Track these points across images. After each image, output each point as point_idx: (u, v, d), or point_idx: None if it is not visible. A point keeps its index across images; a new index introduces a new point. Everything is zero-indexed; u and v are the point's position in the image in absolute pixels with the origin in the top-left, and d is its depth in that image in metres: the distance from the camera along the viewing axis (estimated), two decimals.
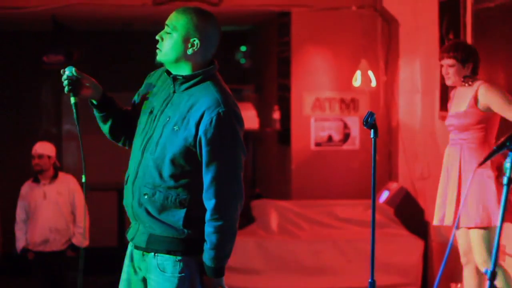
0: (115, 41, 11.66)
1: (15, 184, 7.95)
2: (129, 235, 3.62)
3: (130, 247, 3.64)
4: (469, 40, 6.72)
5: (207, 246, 3.43)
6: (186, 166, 3.44)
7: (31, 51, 10.86)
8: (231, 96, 3.51)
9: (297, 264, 7.46)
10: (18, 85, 11.66)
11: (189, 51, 3.48)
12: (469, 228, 5.34)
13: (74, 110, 3.55)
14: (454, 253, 6.64)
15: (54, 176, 7.39)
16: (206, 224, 3.43)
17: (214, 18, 3.54)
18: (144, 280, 3.58)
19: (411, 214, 7.89)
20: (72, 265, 7.53)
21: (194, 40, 3.47)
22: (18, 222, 7.45)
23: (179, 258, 3.47)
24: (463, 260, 5.56)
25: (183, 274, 3.47)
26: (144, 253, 3.54)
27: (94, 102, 3.61)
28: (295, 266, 7.45)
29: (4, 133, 11.54)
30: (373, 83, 8.51)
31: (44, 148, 7.35)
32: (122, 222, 9.42)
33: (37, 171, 7.36)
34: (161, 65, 3.61)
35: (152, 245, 3.50)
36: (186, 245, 3.47)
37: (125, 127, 3.69)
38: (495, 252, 3.40)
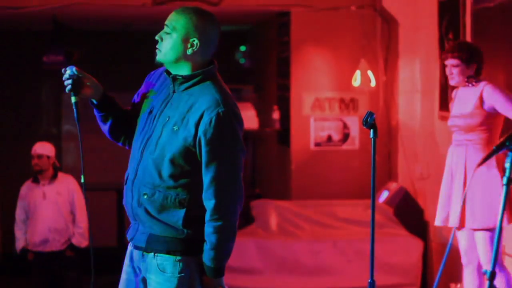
0: (115, 41, 11.66)
1: (15, 184, 7.95)
2: (129, 235, 3.62)
3: (130, 247, 3.64)
4: (468, 40, 6.72)
5: (207, 247, 3.43)
6: (185, 166, 3.44)
7: (31, 51, 10.87)
8: (231, 96, 3.51)
9: (297, 264, 7.46)
10: (18, 85, 11.66)
11: (189, 51, 3.48)
12: (475, 229, 5.34)
13: (75, 110, 3.55)
14: (454, 253, 6.65)
15: (54, 176, 7.39)
16: (206, 224, 3.43)
17: (214, 18, 3.54)
18: (144, 280, 3.58)
19: (411, 214, 7.89)
20: (71, 265, 7.54)
21: (194, 40, 3.47)
22: (17, 222, 7.45)
23: (178, 258, 3.47)
24: (464, 260, 5.56)
25: (182, 274, 3.47)
26: (144, 253, 3.54)
27: (94, 101, 3.61)
28: (294, 266, 7.45)
29: (4, 133, 11.54)
30: (373, 83, 8.50)
31: (43, 148, 7.35)
32: (122, 222, 9.43)
33: (36, 171, 7.37)
34: (161, 65, 3.60)
35: (152, 245, 3.50)
36: (185, 245, 3.47)
37: (125, 127, 3.69)
38: (494, 252, 3.40)
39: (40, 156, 7.30)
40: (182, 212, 3.45)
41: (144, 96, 3.64)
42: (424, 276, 7.66)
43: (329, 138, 8.81)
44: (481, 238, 5.30)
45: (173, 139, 3.44)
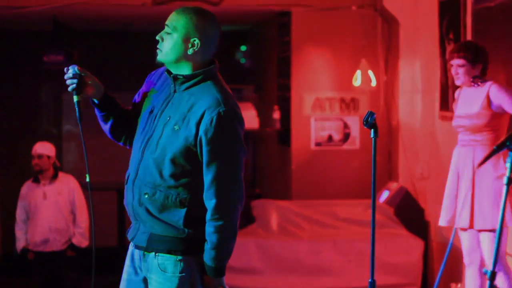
0: (115, 41, 11.66)
1: (15, 184, 7.95)
2: (129, 235, 3.62)
3: (131, 247, 3.64)
4: (469, 39, 6.72)
5: (207, 246, 3.43)
6: (186, 165, 3.44)
7: (31, 51, 10.87)
8: (232, 95, 3.51)
9: (297, 264, 7.46)
10: (18, 85, 11.65)
11: (190, 51, 3.48)
12: (484, 230, 5.33)
13: (77, 109, 3.55)
14: (454, 253, 6.64)
15: (54, 176, 7.39)
16: (206, 224, 3.43)
17: (214, 18, 3.54)
18: (145, 280, 3.58)
19: (411, 214, 7.89)
20: (72, 265, 7.54)
21: (194, 40, 3.47)
22: (18, 222, 7.45)
23: (179, 257, 3.47)
24: (466, 260, 5.55)
25: (183, 274, 3.46)
26: (145, 253, 3.54)
27: (96, 101, 3.61)
28: (295, 266, 7.45)
29: (4, 133, 11.54)
30: (373, 83, 8.50)
31: (43, 148, 7.35)
32: (122, 222, 9.43)
33: (37, 171, 7.37)
34: (161, 65, 3.60)
35: (153, 245, 3.50)
36: (186, 244, 3.47)
37: (126, 126, 3.68)
38: (495, 252, 3.40)
39: (40, 156, 7.30)
40: (183, 211, 3.45)
41: (145, 96, 3.64)
42: (424, 276, 7.66)
43: (330, 138, 8.81)
44: (487, 239, 5.28)
45: (174, 139, 3.44)
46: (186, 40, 3.47)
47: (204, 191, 3.43)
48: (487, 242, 5.30)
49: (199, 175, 3.44)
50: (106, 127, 3.69)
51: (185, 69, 3.51)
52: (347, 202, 8.18)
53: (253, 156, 10.52)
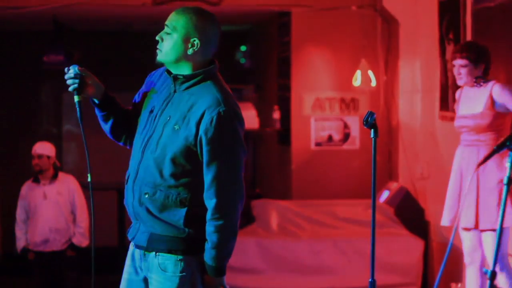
0: (115, 41, 11.66)
1: (15, 184, 7.95)
2: (130, 235, 3.62)
3: (131, 246, 3.64)
4: (468, 40, 6.72)
5: (208, 246, 3.44)
6: (186, 165, 3.44)
7: (32, 51, 10.87)
8: (232, 95, 3.51)
9: (297, 264, 7.46)
10: (18, 85, 11.65)
11: (189, 51, 3.49)
12: (484, 230, 5.33)
13: (77, 109, 3.55)
14: (455, 253, 6.65)
15: (54, 176, 7.39)
16: (207, 224, 3.43)
17: (214, 18, 3.54)
18: (145, 280, 3.58)
19: (411, 214, 7.89)
20: (72, 265, 7.54)
21: (194, 40, 3.48)
22: (18, 222, 7.45)
23: (180, 257, 3.47)
24: (467, 260, 5.55)
25: (184, 273, 3.47)
26: (145, 252, 3.54)
27: (96, 101, 3.61)
28: (295, 266, 7.45)
29: (5, 132, 11.54)
30: (373, 83, 8.51)
31: (43, 148, 7.35)
32: (122, 222, 9.42)
33: (36, 171, 7.37)
34: (161, 65, 3.61)
35: (153, 244, 3.50)
36: (187, 244, 3.47)
37: (127, 126, 3.69)
38: (495, 252, 3.40)
39: (40, 156, 7.30)
40: (183, 211, 3.45)
41: (145, 96, 3.65)
42: (425, 276, 7.66)
43: (330, 138, 8.81)
44: (491, 239, 5.28)
45: (174, 139, 3.44)
46: (186, 40, 3.47)
47: (205, 190, 3.44)
48: (490, 242, 5.30)
49: (199, 175, 3.44)
50: (106, 127, 3.69)
51: (185, 69, 3.51)
52: (347, 202, 8.18)
53: (253, 156, 10.51)
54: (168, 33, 3.49)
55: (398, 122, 8.48)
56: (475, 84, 5.37)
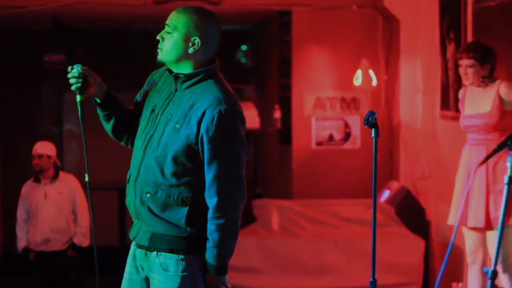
0: (116, 40, 11.66)
1: (16, 184, 7.95)
2: (131, 234, 3.62)
3: (132, 246, 3.64)
4: (469, 39, 6.71)
5: (209, 244, 3.44)
6: (188, 164, 3.44)
7: (32, 51, 10.87)
8: (233, 94, 3.51)
9: (298, 264, 7.46)
10: (19, 85, 11.66)
11: (190, 50, 3.49)
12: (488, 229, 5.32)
13: (79, 108, 3.54)
14: (456, 252, 6.64)
15: (55, 176, 7.38)
16: (208, 222, 3.43)
17: (214, 16, 3.54)
18: (147, 280, 3.58)
19: (412, 213, 7.88)
20: (73, 265, 7.54)
21: (195, 39, 3.48)
22: (19, 222, 7.45)
23: (181, 257, 3.47)
24: (469, 259, 5.55)
25: (185, 273, 3.47)
26: (147, 252, 3.54)
27: (98, 100, 3.61)
28: (296, 266, 7.45)
29: (6, 132, 11.54)
30: (374, 82, 8.50)
31: (44, 148, 7.34)
32: (123, 222, 9.43)
33: (37, 171, 7.36)
34: (162, 64, 3.61)
35: (155, 244, 3.50)
36: (188, 243, 3.47)
37: (128, 126, 3.68)
38: (496, 252, 3.40)
39: (40, 156, 7.29)
40: (185, 210, 3.45)
41: (146, 95, 3.65)
42: (425, 275, 7.66)
43: (331, 138, 8.81)
44: (495, 237, 5.27)
45: (176, 137, 3.44)
46: (186, 39, 3.47)
47: (206, 189, 3.43)
48: (494, 240, 5.29)
49: (201, 174, 3.44)
50: (108, 127, 3.69)
51: (186, 68, 3.51)
52: (348, 202, 8.18)
53: (254, 155, 10.52)
54: (168, 32, 3.49)
55: (399, 122, 8.48)
56: (482, 84, 5.36)
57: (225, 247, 3.45)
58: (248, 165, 3.55)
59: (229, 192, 3.42)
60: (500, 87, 5.28)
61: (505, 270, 5.28)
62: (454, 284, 6.60)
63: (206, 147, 3.41)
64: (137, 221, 3.59)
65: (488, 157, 3.91)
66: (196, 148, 3.43)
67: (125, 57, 11.51)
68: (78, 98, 3.53)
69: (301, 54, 8.81)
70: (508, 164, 3.46)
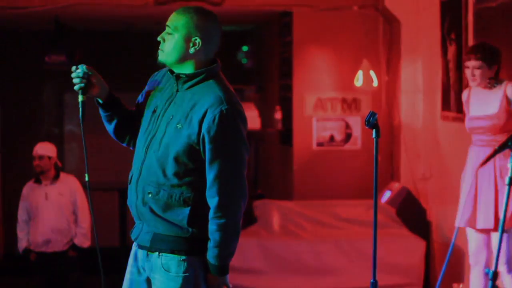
0: (117, 41, 11.66)
1: (17, 184, 7.95)
2: (133, 235, 3.62)
3: (134, 247, 3.64)
4: (470, 40, 6.71)
5: (211, 244, 3.44)
6: (189, 164, 3.44)
7: (33, 51, 10.87)
8: (234, 94, 3.51)
9: (299, 264, 7.45)
10: (19, 85, 11.66)
11: (191, 50, 3.49)
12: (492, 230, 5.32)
13: (80, 109, 3.54)
14: (456, 253, 6.64)
15: (56, 177, 7.38)
16: (209, 222, 3.43)
17: (214, 16, 3.55)
18: (148, 281, 3.58)
19: (413, 214, 7.88)
20: (74, 265, 7.54)
21: (196, 39, 3.48)
22: (19, 223, 7.45)
23: (183, 257, 3.47)
24: (471, 260, 5.54)
25: (187, 274, 3.46)
26: (149, 252, 3.54)
27: (100, 100, 3.61)
28: (297, 266, 7.45)
29: (6, 133, 11.54)
30: (375, 83, 8.50)
31: (44, 149, 7.34)
32: (124, 222, 9.43)
33: (38, 172, 7.36)
34: (163, 65, 3.61)
35: (157, 244, 3.50)
36: (190, 244, 3.47)
37: (130, 127, 3.68)
38: (497, 253, 3.40)
39: (41, 157, 7.29)
40: (187, 210, 3.45)
41: (147, 96, 3.65)
42: (426, 276, 7.66)
43: (331, 138, 8.81)
44: (505, 239, 5.25)
45: (177, 137, 3.44)
46: (187, 39, 3.48)
47: (207, 189, 3.43)
48: (503, 243, 5.27)
49: (202, 174, 3.44)
50: (110, 128, 3.69)
51: (187, 69, 3.52)
52: (349, 203, 8.18)
53: (255, 156, 10.52)
54: (169, 33, 3.50)
55: (400, 122, 8.48)
56: (488, 85, 5.34)
57: (227, 247, 3.44)
58: (249, 166, 3.55)
59: (230, 191, 3.42)
60: (507, 88, 5.27)
61: (510, 270, 5.28)
62: (454, 285, 6.59)
63: (207, 146, 3.41)
64: (139, 222, 3.59)
65: (489, 158, 3.91)
66: (197, 148, 3.43)
67: (126, 58, 11.51)
68: (80, 98, 3.53)
69: (302, 54, 8.81)
70: (509, 165, 3.47)
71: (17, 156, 10.88)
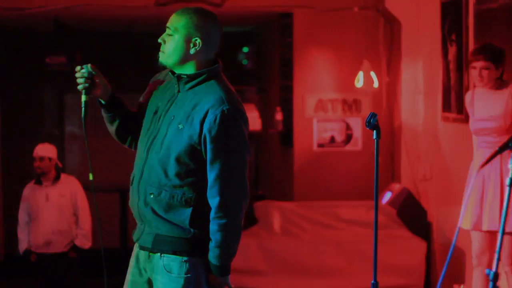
0: (117, 42, 11.67)
1: (18, 185, 7.95)
2: (135, 236, 3.62)
3: (135, 248, 3.64)
4: (471, 41, 6.71)
5: (212, 244, 3.44)
6: (191, 164, 3.44)
7: (34, 52, 10.87)
8: (236, 94, 3.52)
9: (300, 265, 7.46)
10: (20, 86, 11.66)
11: (192, 51, 3.49)
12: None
13: (83, 109, 3.53)
14: (457, 254, 6.64)
15: (56, 178, 7.37)
16: (210, 222, 3.43)
17: (214, 16, 3.55)
18: (149, 282, 3.58)
19: (414, 215, 7.88)
20: (75, 267, 7.54)
21: (196, 40, 3.48)
22: (20, 224, 7.44)
23: (185, 258, 3.47)
24: (474, 261, 5.54)
25: (189, 275, 3.47)
26: (150, 254, 3.54)
27: (102, 101, 3.61)
28: (297, 267, 7.45)
29: (7, 134, 11.54)
30: (376, 84, 8.50)
31: (45, 150, 7.33)
32: (125, 224, 9.43)
33: (39, 174, 7.36)
34: (164, 67, 3.60)
35: (158, 245, 3.50)
36: (192, 245, 3.47)
37: (132, 128, 3.68)
38: (498, 253, 3.39)
39: (42, 159, 7.28)
40: (189, 211, 3.45)
41: (149, 98, 3.65)
42: (427, 277, 7.66)
43: (332, 139, 8.81)
44: (509, 241, 5.25)
45: (178, 138, 3.44)
46: (187, 40, 3.48)
47: (208, 189, 3.44)
48: (508, 244, 5.27)
49: (204, 174, 3.44)
50: (112, 129, 3.69)
51: (188, 69, 3.52)
52: (350, 203, 8.18)
53: (255, 157, 10.52)
54: (170, 35, 3.50)
55: (401, 123, 8.47)
56: (495, 86, 5.33)
57: (228, 247, 3.45)
58: (249, 167, 3.55)
59: (231, 191, 3.42)
60: None
61: None
62: (455, 286, 6.59)
63: (208, 146, 3.41)
64: (141, 223, 3.59)
65: (490, 158, 3.90)
66: (199, 148, 3.43)
67: (126, 59, 11.51)
68: (83, 98, 3.52)
69: (302, 56, 8.81)
70: (510, 166, 3.46)
71: (17, 157, 10.87)
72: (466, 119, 6.57)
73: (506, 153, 5.20)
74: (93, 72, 3.52)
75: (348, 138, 8.82)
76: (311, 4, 8.65)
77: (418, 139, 8.17)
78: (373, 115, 3.65)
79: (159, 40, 3.52)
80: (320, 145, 8.81)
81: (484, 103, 5.40)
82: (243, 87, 10.52)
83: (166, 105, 3.53)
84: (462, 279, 6.85)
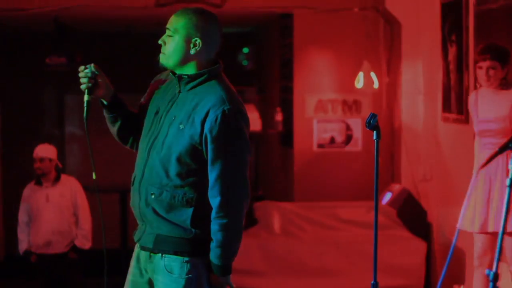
0: (117, 43, 11.67)
1: (18, 186, 7.95)
2: (136, 236, 3.62)
3: (136, 248, 3.64)
4: (471, 41, 6.71)
5: (213, 244, 3.44)
6: (192, 164, 3.45)
7: (34, 53, 10.87)
8: (236, 94, 3.52)
9: (300, 266, 7.46)
10: (20, 87, 11.66)
11: (192, 51, 3.49)
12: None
13: (85, 109, 3.53)
14: (457, 254, 6.64)
15: (57, 179, 7.37)
16: (212, 222, 3.43)
17: (214, 16, 3.55)
18: (150, 282, 3.58)
19: (414, 215, 7.88)
20: (75, 267, 7.54)
21: (196, 40, 3.48)
22: (20, 225, 7.44)
23: (186, 259, 3.47)
24: (476, 262, 5.53)
25: (190, 275, 3.47)
26: (151, 254, 3.54)
27: (105, 102, 3.61)
28: (297, 268, 7.45)
29: (7, 134, 11.55)
30: (376, 85, 8.50)
31: (45, 151, 7.33)
32: (125, 224, 9.43)
33: (39, 174, 7.35)
34: (165, 68, 3.61)
35: (159, 246, 3.50)
36: (193, 245, 3.47)
37: (134, 129, 3.69)
38: (497, 254, 3.39)
39: (42, 159, 7.28)
40: (190, 211, 3.46)
41: (150, 98, 3.65)
42: (427, 278, 7.66)
43: (332, 140, 8.81)
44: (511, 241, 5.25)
45: (180, 138, 3.45)
46: (187, 40, 3.48)
47: (209, 189, 3.44)
48: (510, 246, 5.27)
49: (205, 174, 3.44)
50: (113, 129, 3.69)
51: (189, 70, 3.52)
52: (350, 204, 8.18)
53: (255, 158, 10.52)
54: (170, 36, 3.50)
55: (401, 124, 8.48)
56: (500, 86, 5.32)
57: (229, 247, 3.45)
58: (250, 167, 3.55)
59: (232, 191, 3.42)
60: None
61: None
62: (455, 287, 6.60)
63: (209, 146, 3.41)
64: (142, 223, 3.59)
65: (490, 159, 3.90)
66: (200, 148, 3.43)
67: (126, 59, 11.51)
68: (86, 97, 3.53)
69: (302, 56, 8.81)
70: (510, 167, 3.46)
71: (17, 157, 10.88)
72: (466, 120, 6.58)
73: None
74: (96, 72, 3.52)
75: (348, 138, 8.82)
76: (311, 5, 8.66)
77: (418, 139, 8.17)
78: (373, 116, 3.65)
79: (160, 42, 3.53)
80: (320, 146, 8.82)
81: (488, 104, 5.38)
82: (243, 87, 10.52)
83: (167, 106, 3.54)
84: (462, 279, 6.85)
